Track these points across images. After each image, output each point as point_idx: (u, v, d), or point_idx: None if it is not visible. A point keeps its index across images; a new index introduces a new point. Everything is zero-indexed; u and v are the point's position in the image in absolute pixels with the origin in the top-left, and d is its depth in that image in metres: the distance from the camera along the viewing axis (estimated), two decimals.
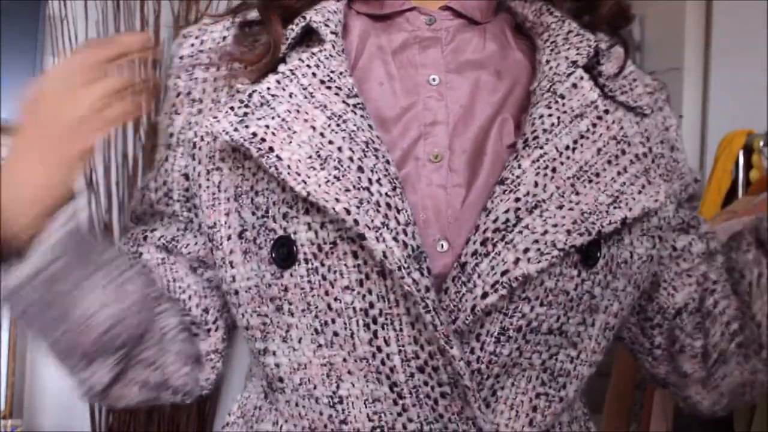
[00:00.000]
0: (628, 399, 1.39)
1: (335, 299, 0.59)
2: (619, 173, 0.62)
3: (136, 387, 0.68)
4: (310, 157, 0.59)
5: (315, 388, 0.62)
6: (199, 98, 0.69)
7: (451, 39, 0.68)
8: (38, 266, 0.60)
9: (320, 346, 0.61)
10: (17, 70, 2.09)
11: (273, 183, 0.61)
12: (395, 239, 0.57)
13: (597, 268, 0.61)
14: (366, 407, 0.61)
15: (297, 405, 0.64)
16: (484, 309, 0.58)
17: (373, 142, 0.60)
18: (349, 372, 0.61)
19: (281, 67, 0.64)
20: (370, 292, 0.58)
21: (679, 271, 0.72)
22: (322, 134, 0.60)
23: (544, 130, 0.62)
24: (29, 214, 0.60)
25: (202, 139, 0.67)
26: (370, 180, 0.58)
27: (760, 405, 1.09)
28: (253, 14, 0.69)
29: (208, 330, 0.71)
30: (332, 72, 0.63)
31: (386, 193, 0.58)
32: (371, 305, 0.58)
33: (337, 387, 0.61)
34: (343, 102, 0.61)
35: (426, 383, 0.59)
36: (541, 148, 0.61)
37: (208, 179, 0.66)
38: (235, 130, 0.60)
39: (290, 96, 0.62)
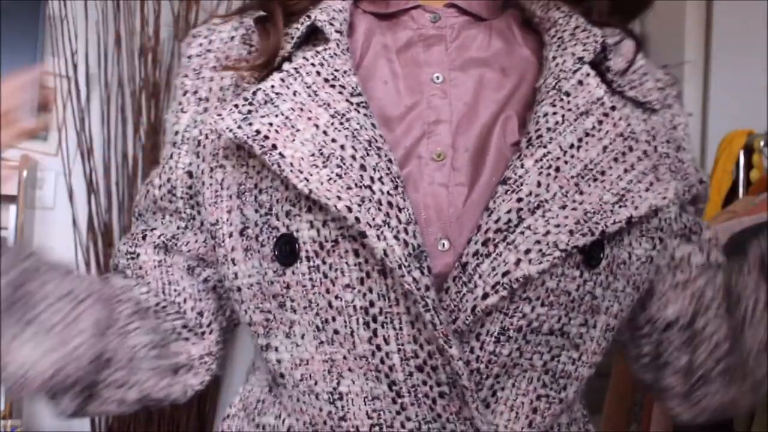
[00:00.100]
0: (628, 399, 1.39)
1: (336, 297, 0.59)
2: (625, 171, 0.62)
3: (113, 404, 0.68)
4: (313, 155, 0.59)
5: (316, 384, 0.62)
6: (206, 97, 0.69)
7: (456, 36, 0.68)
8: None
9: (322, 342, 0.61)
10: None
11: (276, 181, 0.61)
12: (396, 238, 0.56)
13: (599, 268, 0.61)
14: (365, 405, 0.61)
15: (298, 400, 0.64)
16: (484, 309, 0.57)
17: (376, 140, 0.60)
18: (349, 369, 0.61)
19: (286, 66, 0.64)
20: (370, 290, 0.58)
21: (674, 283, 0.71)
22: (325, 132, 0.60)
23: (548, 129, 0.61)
24: None
25: (206, 137, 0.67)
26: (372, 178, 0.58)
27: (761, 406, 1.09)
28: (261, 13, 0.69)
29: (203, 333, 0.71)
30: (336, 71, 0.63)
31: (388, 192, 0.58)
32: (371, 304, 0.58)
33: (338, 384, 0.61)
34: (347, 101, 0.61)
35: (424, 382, 0.59)
36: (545, 147, 0.61)
37: (211, 176, 0.66)
38: (239, 127, 0.60)
39: (294, 94, 0.62)
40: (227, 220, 0.64)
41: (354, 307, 0.59)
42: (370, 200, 0.57)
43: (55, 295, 0.62)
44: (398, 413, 0.60)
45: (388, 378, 0.60)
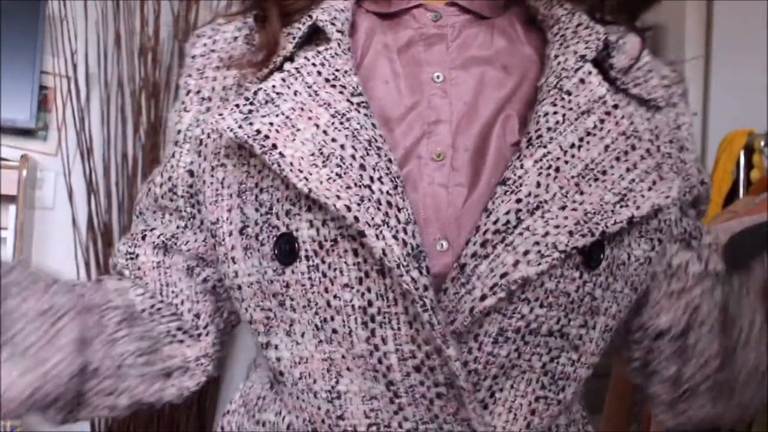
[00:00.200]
0: (628, 399, 1.39)
1: (335, 296, 0.59)
2: (628, 170, 0.61)
3: (105, 410, 0.68)
4: (313, 154, 0.59)
5: (315, 382, 0.62)
6: (209, 96, 0.70)
7: (457, 35, 0.68)
8: None
9: (321, 341, 0.61)
10: (17, 70, 2.09)
11: (277, 180, 0.61)
12: (395, 237, 0.56)
13: (599, 269, 0.61)
14: (363, 404, 0.61)
15: (298, 398, 0.64)
16: (482, 311, 0.57)
17: (376, 140, 0.60)
18: (347, 368, 0.61)
19: (287, 66, 0.64)
20: (369, 290, 0.58)
21: (669, 292, 0.70)
22: (325, 132, 0.60)
23: (549, 129, 0.61)
24: None
25: (208, 136, 0.68)
26: (371, 178, 0.58)
27: (761, 406, 1.09)
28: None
29: (199, 335, 0.72)
30: (337, 70, 0.63)
31: (387, 192, 0.58)
32: (370, 303, 0.58)
33: (336, 382, 0.61)
34: (347, 100, 0.61)
35: (422, 383, 0.59)
36: (545, 147, 0.60)
37: (212, 175, 0.66)
38: (240, 127, 0.60)
39: (295, 94, 0.62)
40: (227, 218, 0.64)
41: (352, 306, 0.59)
42: (369, 200, 0.57)
43: (34, 311, 0.62)
44: (396, 413, 0.60)
45: (385, 378, 0.59)
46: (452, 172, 0.62)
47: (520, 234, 0.57)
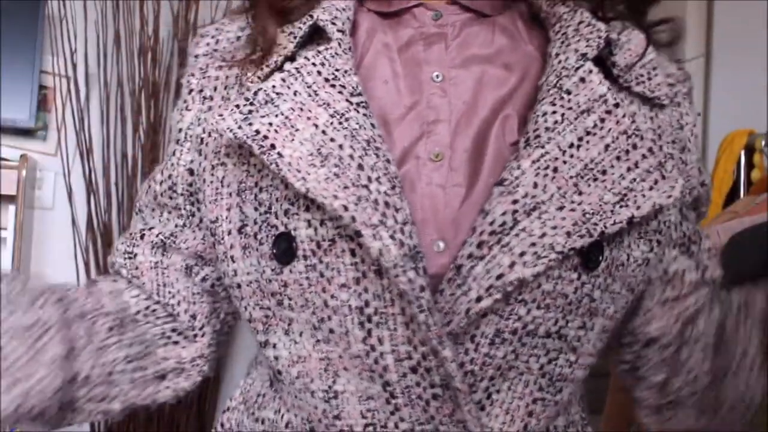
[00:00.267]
0: (629, 399, 1.38)
1: (332, 296, 0.59)
2: (629, 169, 0.60)
3: (99, 415, 0.69)
4: (311, 154, 0.59)
5: (312, 381, 0.62)
6: (210, 96, 0.70)
7: (458, 34, 0.68)
8: None
9: (318, 341, 0.61)
10: (16, 70, 2.09)
11: (276, 180, 0.61)
12: (392, 237, 0.56)
13: (598, 271, 0.60)
14: (360, 404, 0.61)
15: (296, 397, 0.64)
16: (478, 312, 0.57)
17: (375, 140, 0.60)
18: (344, 368, 0.61)
19: (287, 66, 0.64)
20: (366, 290, 0.58)
21: (662, 299, 0.70)
22: (324, 132, 0.60)
23: (547, 129, 0.61)
24: None
25: (209, 135, 0.68)
26: (369, 178, 0.58)
27: (761, 407, 1.09)
28: None
29: (195, 336, 0.72)
30: (337, 70, 0.63)
31: (385, 192, 0.58)
32: (367, 303, 0.58)
33: (333, 382, 0.61)
34: (347, 100, 0.61)
35: (418, 384, 0.59)
36: (543, 147, 0.60)
37: (212, 174, 0.66)
38: (239, 127, 0.61)
39: (294, 94, 0.62)
40: (226, 217, 0.64)
41: (349, 306, 0.59)
42: (366, 200, 0.57)
43: (19, 325, 0.62)
44: (392, 413, 0.60)
45: (382, 378, 0.59)
46: (450, 173, 0.62)
47: (516, 235, 0.57)
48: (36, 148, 2.22)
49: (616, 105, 0.62)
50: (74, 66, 2.16)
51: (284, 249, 0.60)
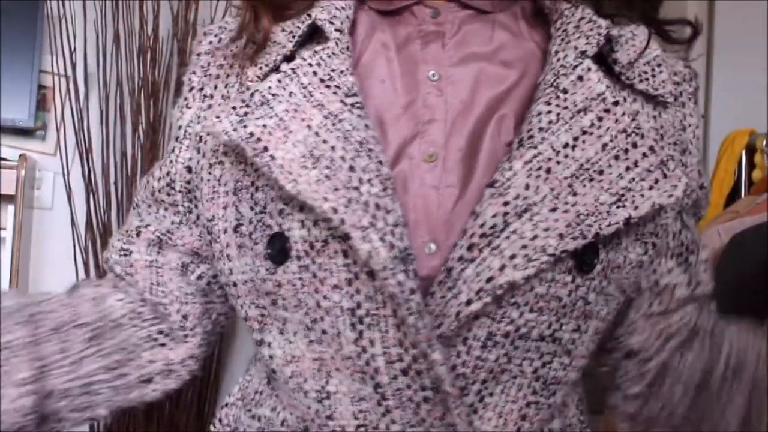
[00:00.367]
0: None
1: (324, 297, 0.59)
2: (627, 168, 0.59)
3: (87, 420, 0.69)
4: (304, 156, 0.58)
5: (305, 381, 0.62)
6: (211, 94, 0.70)
7: (456, 31, 0.67)
8: None
9: (311, 341, 0.61)
10: (16, 70, 2.09)
11: (271, 180, 0.61)
12: (382, 240, 0.56)
13: (593, 273, 0.59)
14: (352, 405, 0.60)
15: (290, 396, 0.64)
16: (469, 315, 0.56)
17: (368, 142, 0.59)
18: (337, 369, 0.60)
19: (284, 66, 0.64)
20: (358, 291, 0.58)
21: (648, 313, 0.69)
22: (317, 134, 0.59)
23: (541, 129, 0.59)
24: None
25: (208, 134, 0.68)
26: (360, 180, 0.57)
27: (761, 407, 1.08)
28: None
29: (185, 336, 0.72)
30: (333, 70, 0.62)
31: (376, 194, 0.57)
32: (358, 305, 0.58)
33: (326, 382, 0.61)
34: (341, 101, 0.61)
35: (409, 386, 0.58)
36: (535, 147, 0.59)
37: (210, 172, 0.66)
38: (234, 129, 0.60)
39: (290, 95, 0.62)
40: (223, 216, 0.64)
41: (341, 308, 0.58)
42: (357, 202, 0.56)
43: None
44: (383, 415, 0.60)
45: (373, 380, 0.59)
46: (444, 174, 0.61)
47: (507, 237, 0.56)
48: (35, 148, 2.21)
49: (616, 103, 0.61)
50: (73, 65, 2.15)
51: (278, 249, 0.60)
